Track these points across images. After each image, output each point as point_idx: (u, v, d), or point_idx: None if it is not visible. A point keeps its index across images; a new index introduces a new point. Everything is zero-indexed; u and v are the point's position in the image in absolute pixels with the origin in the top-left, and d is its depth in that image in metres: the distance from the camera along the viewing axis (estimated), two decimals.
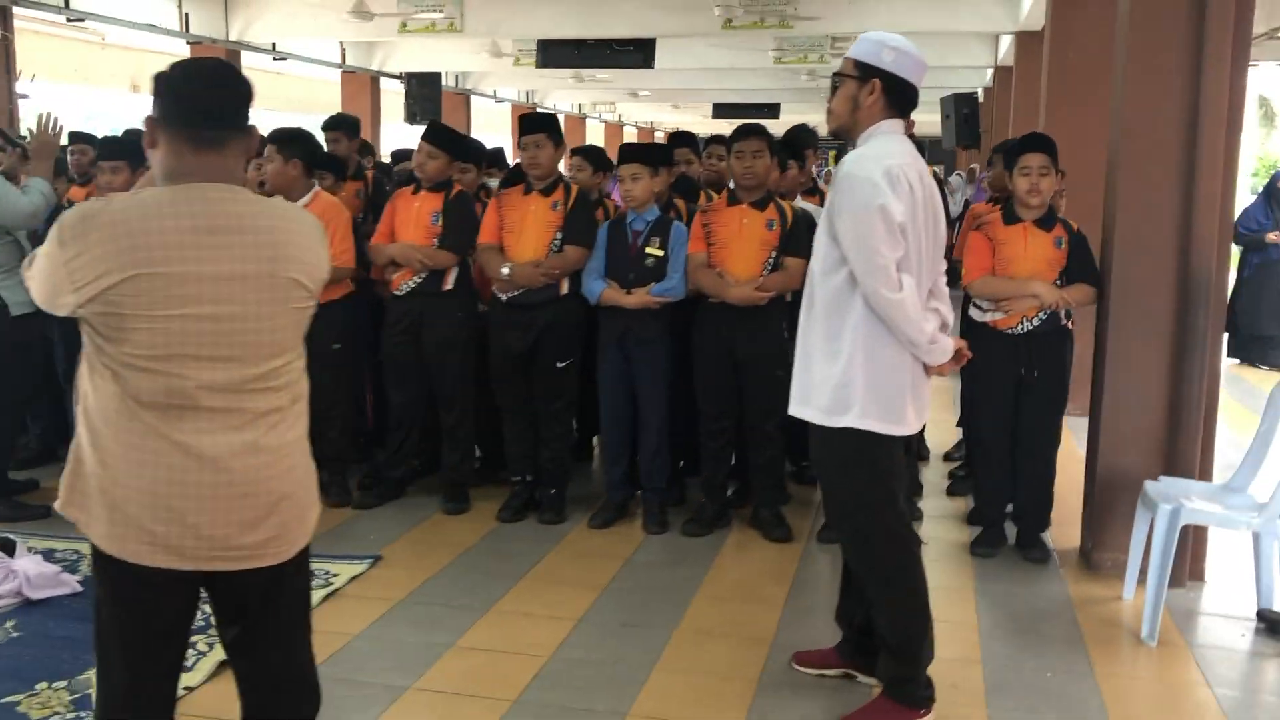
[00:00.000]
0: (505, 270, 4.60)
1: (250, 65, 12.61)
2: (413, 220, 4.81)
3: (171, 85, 2.12)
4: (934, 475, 5.75)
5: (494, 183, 5.67)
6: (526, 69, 14.00)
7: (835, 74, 3.12)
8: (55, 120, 4.69)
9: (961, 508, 5.17)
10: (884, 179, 2.92)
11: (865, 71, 3.04)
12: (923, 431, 5.96)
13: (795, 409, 3.17)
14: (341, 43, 13.54)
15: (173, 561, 2.11)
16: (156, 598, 2.17)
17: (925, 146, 4.84)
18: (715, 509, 4.81)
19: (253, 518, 2.14)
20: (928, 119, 13.59)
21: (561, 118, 22.15)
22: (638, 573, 4.30)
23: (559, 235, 4.65)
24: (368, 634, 3.69)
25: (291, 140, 4.84)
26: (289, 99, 14.19)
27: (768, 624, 3.83)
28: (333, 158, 5.64)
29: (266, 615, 2.29)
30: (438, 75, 14.18)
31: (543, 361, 4.71)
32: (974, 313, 4.57)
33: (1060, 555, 4.52)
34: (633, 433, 4.80)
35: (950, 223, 6.36)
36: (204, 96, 2.12)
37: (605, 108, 22.29)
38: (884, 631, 3.17)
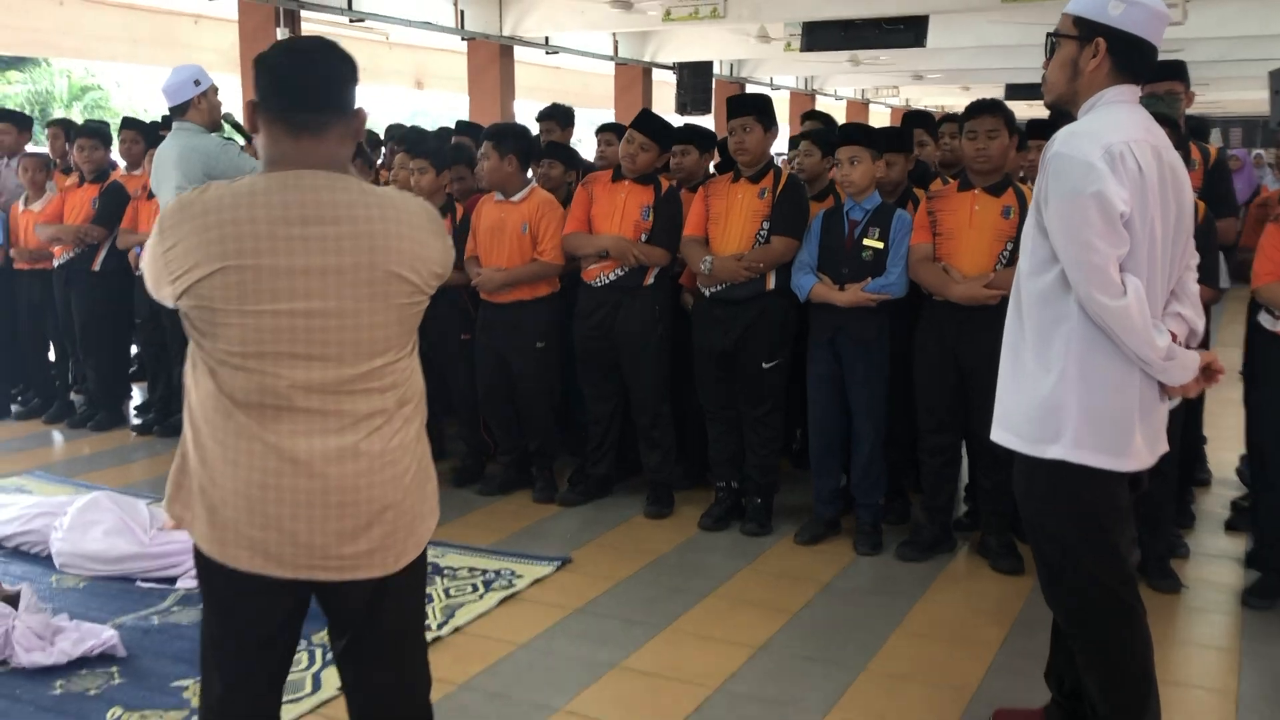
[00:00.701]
0: (705, 264, 4.31)
1: (525, 60, 12.97)
2: (618, 211, 4.60)
3: (267, 67, 2.00)
4: (1215, 504, 4.96)
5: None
6: (802, 55, 13.55)
7: (1050, 34, 2.61)
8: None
9: (1240, 547, 4.40)
10: (1103, 159, 2.40)
11: (1087, 30, 2.52)
12: (1203, 449, 5.18)
13: (997, 433, 2.69)
14: (614, 35, 13.65)
15: (270, 568, 2.00)
16: (256, 605, 2.07)
17: (1208, 123, 4.11)
18: (936, 531, 4.31)
19: (353, 527, 2.01)
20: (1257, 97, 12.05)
21: (843, 104, 21.56)
22: (835, 599, 3.90)
23: (766, 225, 4.31)
24: (533, 644, 3.53)
25: (507, 136, 4.77)
26: (563, 93, 14.49)
27: (973, 671, 3.35)
28: (562, 147, 5.57)
29: (372, 630, 2.15)
30: (709, 65, 14.02)
31: (746, 362, 4.38)
32: (1263, 319, 3.88)
33: None
34: (847, 442, 4.40)
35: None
36: (297, 78, 1.99)
37: (888, 92, 21.40)
38: (1094, 699, 2.65)
